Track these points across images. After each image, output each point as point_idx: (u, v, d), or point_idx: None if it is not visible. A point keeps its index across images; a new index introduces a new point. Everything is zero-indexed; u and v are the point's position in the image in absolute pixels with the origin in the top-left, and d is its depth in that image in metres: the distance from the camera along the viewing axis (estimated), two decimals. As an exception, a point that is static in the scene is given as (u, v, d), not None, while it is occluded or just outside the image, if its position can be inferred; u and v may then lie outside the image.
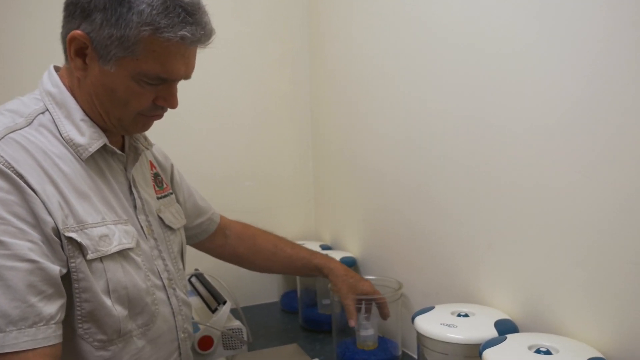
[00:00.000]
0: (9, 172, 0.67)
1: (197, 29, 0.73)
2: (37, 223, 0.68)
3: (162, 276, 0.85)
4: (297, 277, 1.42)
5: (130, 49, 0.71)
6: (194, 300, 1.28)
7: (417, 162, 1.13)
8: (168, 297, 0.86)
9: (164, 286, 0.86)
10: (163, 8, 0.70)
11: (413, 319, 0.90)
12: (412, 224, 1.17)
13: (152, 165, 0.97)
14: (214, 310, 1.18)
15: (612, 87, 0.69)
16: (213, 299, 1.23)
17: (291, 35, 1.63)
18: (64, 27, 0.77)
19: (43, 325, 0.65)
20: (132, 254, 0.79)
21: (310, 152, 1.70)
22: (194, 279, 1.40)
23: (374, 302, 1.09)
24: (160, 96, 0.78)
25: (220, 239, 1.17)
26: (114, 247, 0.76)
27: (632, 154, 0.68)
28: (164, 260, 0.87)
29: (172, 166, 1.06)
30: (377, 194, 1.31)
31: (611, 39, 0.69)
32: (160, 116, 0.83)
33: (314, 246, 1.54)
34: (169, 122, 1.45)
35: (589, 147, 0.73)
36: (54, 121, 0.76)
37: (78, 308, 0.72)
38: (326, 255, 1.18)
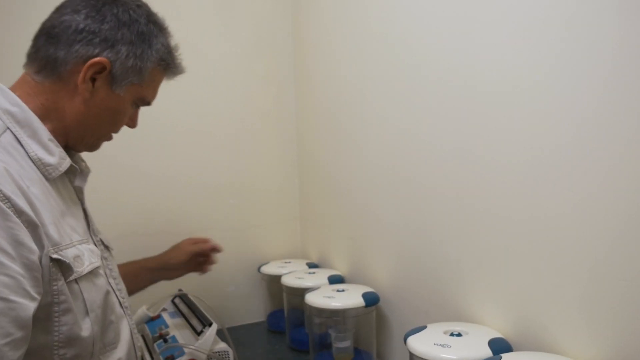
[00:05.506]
0: None
1: (182, 65, 0.91)
2: (17, 254, 0.64)
3: (117, 294, 0.85)
4: (284, 296, 1.39)
5: (142, 78, 0.84)
6: (178, 322, 1.25)
7: (405, 179, 1.13)
8: (125, 315, 0.86)
9: (120, 304, 0.85)
10: (168, 49, 0.87)
11: (405, 338, 0.89)
12: (401, 241, 1.16)
13: None
14: (199, 333, 1.14)
15: (605, 122, 0.70)
16: (198, 320, 1.19)
17: (276, 54, 1.63)
18: (73, 52, 0.77)
19: None
20: (100, 272, 0.79)
21: (296, 170, 1.68)
22: (177, 300, 1.36)
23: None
24: (131, 118, 0.90)
25: None
26: (86, 267, 0.75)
27: (621, 177, 0.68)
28: (114, 279, 0.87)
29: None
30: (363, 212, 1.30)
31: (606, 77, 0.70)
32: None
33: (301, 265, 1.52)
34: (154, 140, 1.42)
35: (579, 171, 0.74)
36: (18, 141, 0.74)
37: (56, 334, 0.70)
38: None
